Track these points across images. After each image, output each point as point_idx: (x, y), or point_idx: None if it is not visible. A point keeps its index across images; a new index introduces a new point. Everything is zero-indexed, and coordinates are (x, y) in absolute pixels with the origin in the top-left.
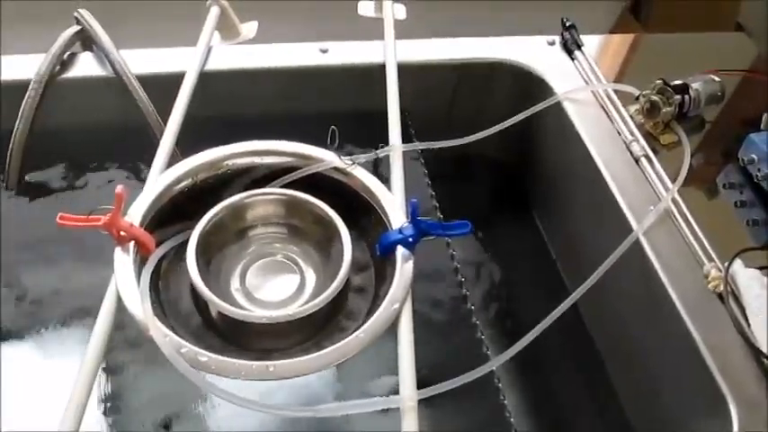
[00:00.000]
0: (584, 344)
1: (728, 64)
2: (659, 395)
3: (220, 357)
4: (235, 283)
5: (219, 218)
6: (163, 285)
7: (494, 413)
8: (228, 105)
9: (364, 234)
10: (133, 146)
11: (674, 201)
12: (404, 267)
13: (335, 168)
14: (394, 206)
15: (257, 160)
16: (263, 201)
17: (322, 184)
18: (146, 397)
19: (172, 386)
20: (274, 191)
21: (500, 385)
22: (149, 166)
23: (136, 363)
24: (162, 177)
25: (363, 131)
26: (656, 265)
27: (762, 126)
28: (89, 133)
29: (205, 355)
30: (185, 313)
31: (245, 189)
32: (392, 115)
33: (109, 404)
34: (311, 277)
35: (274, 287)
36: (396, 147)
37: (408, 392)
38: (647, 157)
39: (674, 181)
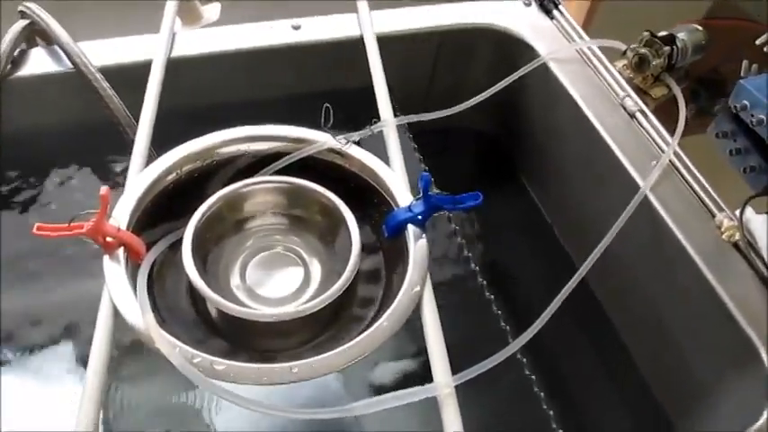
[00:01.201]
0: (595, 313)
1: (697, 14)
2: (683, 358)
3: (238, 364)
4: (235, 280)
5: (214, 211)
6: (158, 290)
7: (522, 389)
8: (199, 94)
9: (367, 217)
10: (101, 145)
11: (675, 154)
12: (418, 247)
13: (330, 150)
14: (397, 183)
15: (243, 148)
16: (261, 190)
17: (316, 167)
18: (144, 411)
19: (172, 396)
20: (272, 178)
21: (524, 360)
22: (122, 165)
23: (131, 373)
24: (143, 175)
25: (347, 110)
26: (668, 221)
27: (741, 73)
28: (51, 135)
29: (221, 363)
30: (185, 318)
31: (235, 179)
32: (379, 89)
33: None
34: (316, 269)
35: (278, 282)
36: (389, 121)
37: (444, 379)
38: (641, 111)
39: (672, 134)
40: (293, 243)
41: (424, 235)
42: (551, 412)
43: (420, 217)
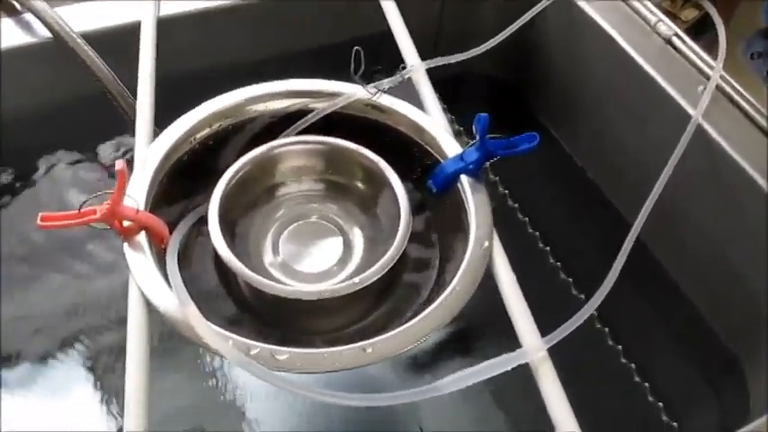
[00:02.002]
0: (647, 262)
1: None
2: (754, 301)
3: (302, 350)
4: (267, 256)
5: (240, 179)
6: (185, 274)
7: (597, 344)
8: (194, 57)
9: (407, 173)
10: (93, 121)
11: (721, 77)
12: (478, 199)
13: (359, 102)
14: (441, 132)
15: (261, 107)
16: (291, 153)
17: (342, 124)
18: (173, 406)
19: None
20: (304, 138)
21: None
22: (119, 142)
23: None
24: (153, 148)
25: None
26: (727, 148)
27: None
28: (35, 115)
29: (283, 352)
30: (217, 302)
31: (256, 144)
32: (400, 33)
33: None
34: (357, 238)
35: (315, 254)
36: (418, 65)
37: (534, 342)
38: (677, 35)
39: (713, 57)
40: (330, 210)
41: (482, 185)
42: (633, 365)
43: (473, 166)
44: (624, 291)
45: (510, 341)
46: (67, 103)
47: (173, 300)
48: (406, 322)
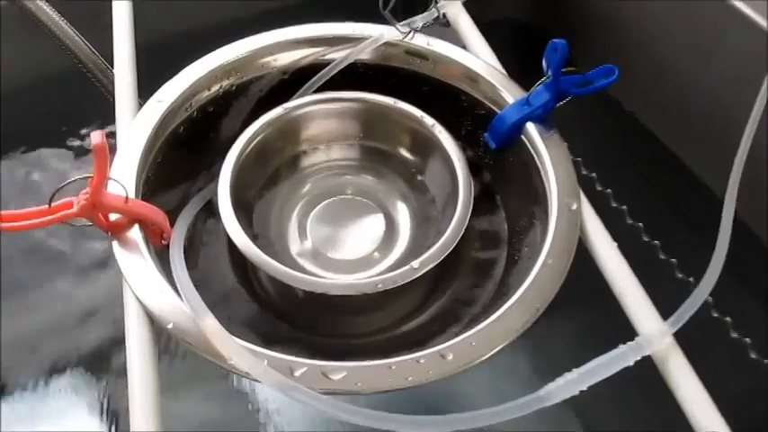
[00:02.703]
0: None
1: None
2: None
3: (361, 364)
4: (294, 243)
5: (256, 146)
6: (194, 275)
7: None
8: (178, 18)
9: (453, 129)
10: (67, 103)
11: None
12: (553, 150)
13: (388, 45)
14: (495, 75)
15: (269, 60)
16: (319, 113)
17: (368, 75)
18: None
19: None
20: (334, 95)
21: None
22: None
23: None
24: (140, 119)
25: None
26: None
27: None
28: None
29: (337, 369)
30: (237, 306)
31: (263, 108)
32: None
33: None
34: (402, 215)
35: (352, 238)
36: None
37: (659, 326)
38: None
39: None
40: (367, 183)
41: (556, 133)
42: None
43: (540, 111)
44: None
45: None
46: (35, 82)
47: (183, 311)
48: (485, 313)
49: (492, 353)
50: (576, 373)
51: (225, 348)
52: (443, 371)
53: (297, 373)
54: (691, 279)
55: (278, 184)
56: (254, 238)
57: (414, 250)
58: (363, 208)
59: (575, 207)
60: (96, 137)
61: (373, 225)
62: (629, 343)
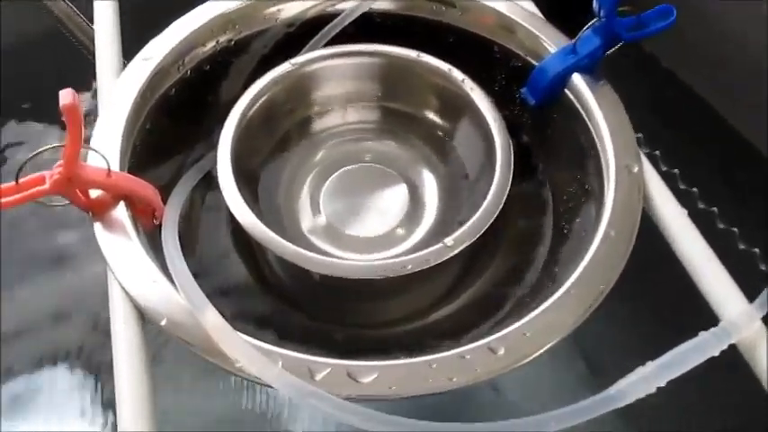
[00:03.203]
0: None
1: None
2: None
3: (394, 363)
4: (306, 218)
5: (259, 110)
6: (191, 261)
7: None
8: None
9: (486, 85)
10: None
11: None
12: (605, 104)
13: None
14: (532, 20)
15: (274, 11)
16: (333, 69)
17: (385, 26)
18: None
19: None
20: (350, 49)
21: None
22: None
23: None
24: (124, 80)
25: None
26: None
27: None
28: None
29: (367, 370)
30: (243, 295)
31: (265, 67)
32: None
33: None
34: (429, 185)
35: (371, 212)
36: None
37: (745, 308)
38: None
39: None
40: (388, 149)
41: (607, 84)
42: None
43: (587, 60)
44: None
45: None
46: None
47: (179, 303)
48: (534, 298)
49: (550, 345)
50: (651, 366)
51: (230, 348)
52: (494, 368)
53: (318, 377)
54: (755, 250)
55: (286, 152)
56: (260, 214)
57: (442, 226)
58: (384, 178)
59: (636, 170)
60: (66, 96)
61: (395, 197)
62: (712, 329)
